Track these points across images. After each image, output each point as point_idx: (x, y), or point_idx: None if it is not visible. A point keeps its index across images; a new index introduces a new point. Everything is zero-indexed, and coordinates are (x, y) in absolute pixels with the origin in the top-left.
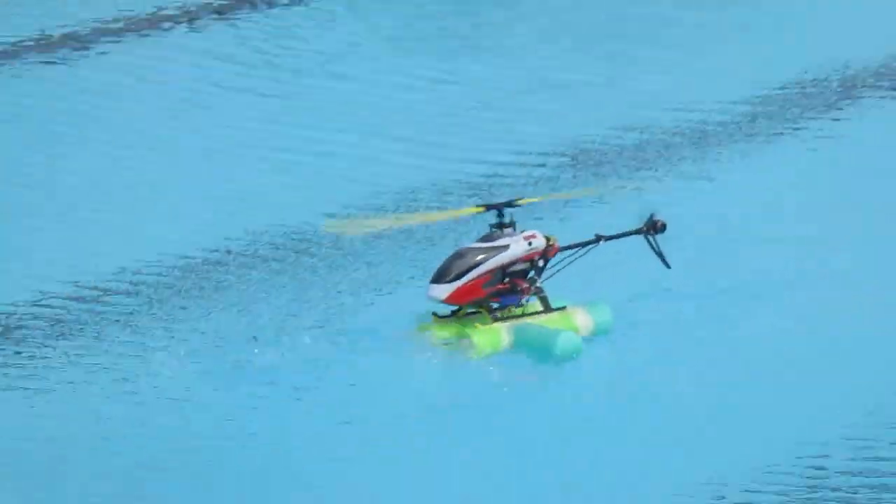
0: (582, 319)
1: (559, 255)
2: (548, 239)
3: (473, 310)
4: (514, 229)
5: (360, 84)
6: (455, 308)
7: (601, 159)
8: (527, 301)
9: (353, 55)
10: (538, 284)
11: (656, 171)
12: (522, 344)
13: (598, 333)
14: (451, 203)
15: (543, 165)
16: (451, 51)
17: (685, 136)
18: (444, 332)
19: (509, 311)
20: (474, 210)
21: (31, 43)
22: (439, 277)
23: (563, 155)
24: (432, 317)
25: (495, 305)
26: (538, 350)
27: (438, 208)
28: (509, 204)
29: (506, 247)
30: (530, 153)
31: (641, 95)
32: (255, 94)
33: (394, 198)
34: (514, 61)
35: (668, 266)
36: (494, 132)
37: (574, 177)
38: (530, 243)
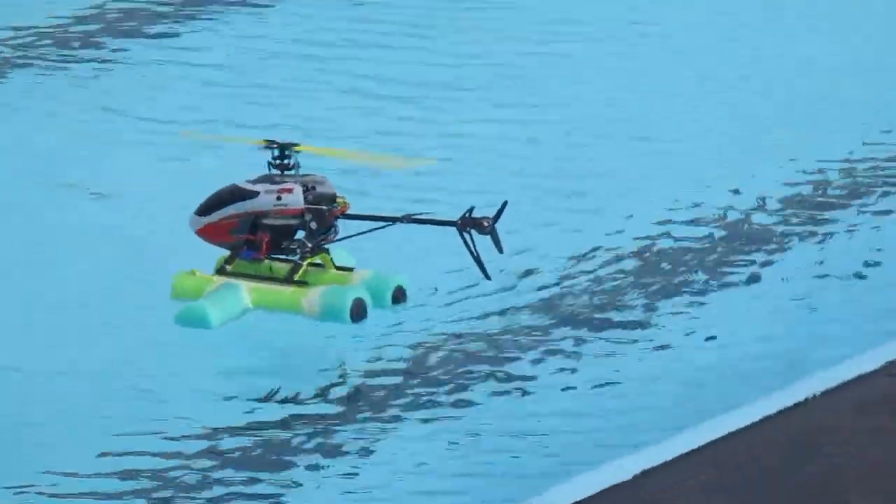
0: (310, 302)
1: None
2: (331, 200)
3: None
4: (296, 173)
5: None
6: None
7: None
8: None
9: None
10: (304, 249)
11: None
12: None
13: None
14: None
15: None
16: None
17: None
18: None
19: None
20: (256, 142)
21: None
22: (200, 208)
23: None
24: None
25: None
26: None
27: None
28: (293, 146)
29: (255, 194)
30: None
31: None
32: None
33: None
34: None
35: (487, 277)
36: None
37: None
38: (279, 198)
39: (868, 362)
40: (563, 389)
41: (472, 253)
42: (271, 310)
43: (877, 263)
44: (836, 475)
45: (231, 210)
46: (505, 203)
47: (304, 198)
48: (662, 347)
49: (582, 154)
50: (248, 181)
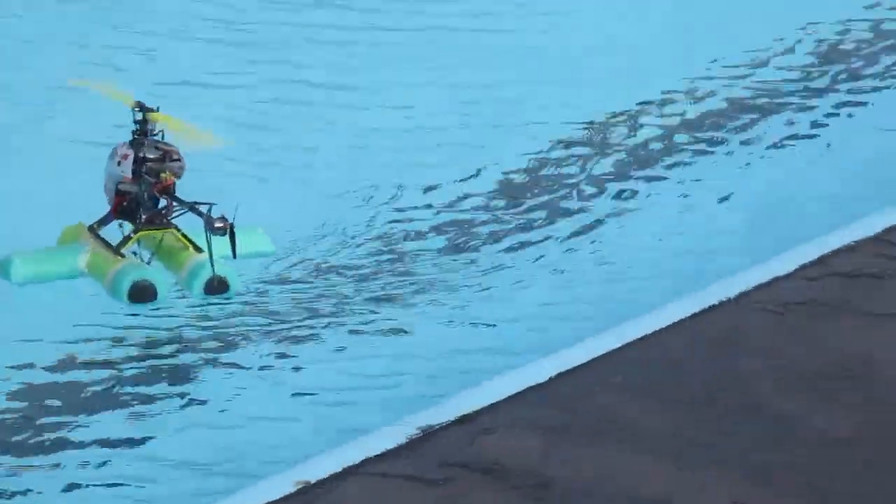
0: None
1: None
2: (158, 174)
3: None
4: (154, 140)
5: None
6: None
7: None
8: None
9: None
10: (138, 222)
11: None
12: None
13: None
14: None
15: None
16: None
17: None
18: None
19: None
20: (125, 99)
21: None
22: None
23: None
24: None
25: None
26: None
27: None
28: (151, 109)
29: (114, 155)
30: None
31: None
32: None
33: None
34: None
35: (212, 271)
36: None
37: None
38: (119, 164)
39: (783, 265)
40: (481, 297)
41: (208, 248)
42: (93, 277)
43: None
44: (751, 375)
45: (106, 168)
46: (236, 206)
47: (134, 168)
48: (578, 251)
49: None
50: (126, 142)
